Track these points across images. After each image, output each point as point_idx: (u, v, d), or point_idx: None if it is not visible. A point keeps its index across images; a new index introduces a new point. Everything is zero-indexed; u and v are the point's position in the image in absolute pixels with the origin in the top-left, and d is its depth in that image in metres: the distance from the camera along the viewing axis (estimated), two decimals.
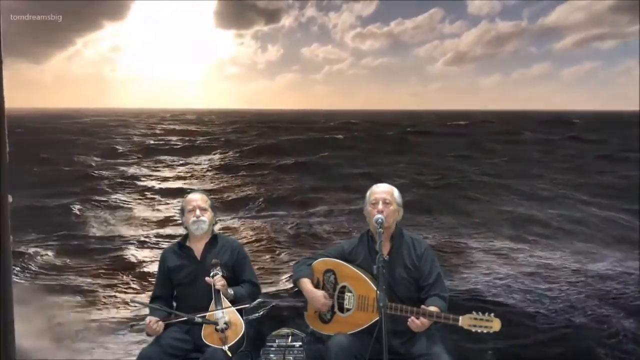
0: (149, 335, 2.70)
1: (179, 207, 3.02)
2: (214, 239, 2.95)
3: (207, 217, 2.89)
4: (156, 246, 9.91)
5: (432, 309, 2.50)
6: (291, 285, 5.54)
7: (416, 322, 2.48)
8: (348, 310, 2.71)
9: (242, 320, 2.66)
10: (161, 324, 2.67)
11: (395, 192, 2.76)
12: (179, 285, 2.91)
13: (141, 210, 13.24)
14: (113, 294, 7.39)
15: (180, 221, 3.03)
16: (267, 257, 9.50)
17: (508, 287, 7.52)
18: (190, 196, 2.95)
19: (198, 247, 2.93)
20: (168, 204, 14.31)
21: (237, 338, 2.60)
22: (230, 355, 2.54)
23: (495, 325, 2.40)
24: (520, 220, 12.25)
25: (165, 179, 19.31)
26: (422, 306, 2.52)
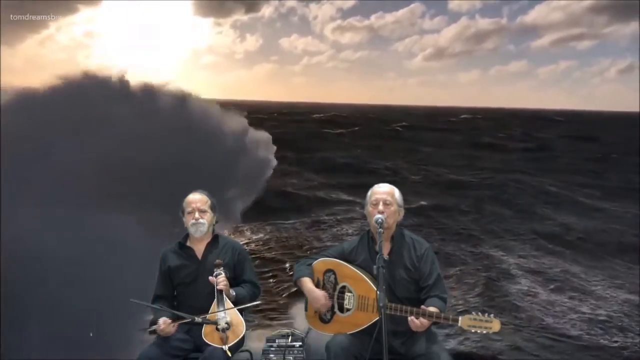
0: (151, 333, 2.69)
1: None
2: (215, 239, 2.94)
3: (206, 219, 2.87)
4: None
5: (432, 309, 2.51)
6: None
7: (416, 322, 2.49)
8: (348, 310, 2.72)
9: (243, 321, 2.66)
10: (175, 325, 2.66)
11: (396, 193, 2.76)
12: (180, 285, 2.90)
13: None
14: None
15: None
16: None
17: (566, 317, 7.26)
18: (190, 197, 2.91)
19: (199, 247, 2.92)
20: None
21: (238, 339, 2.60)
22: (230, 355, 2.54)
23: (495, 326, 2.41)
24: (549, 229, 12.05)
25: None
26: (422, 306, 2.53)
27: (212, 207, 2.92)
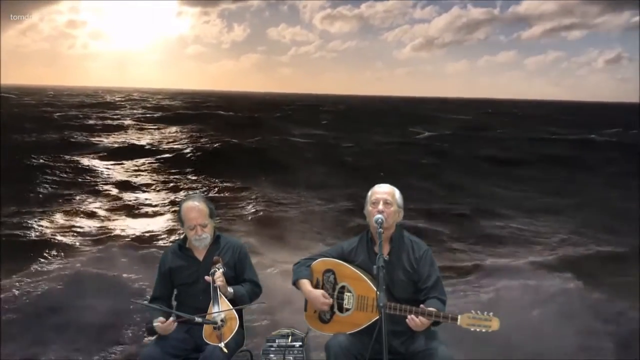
0: (150, 335, 2.70)
1: (177, 210, 2.97)
2: (216, 240, 2.94)
3: (208, 231, 2.87)
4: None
5: (431, 308, 2.51)
6: None
7: (415, 321, 2.49)
8: (347, 310, 2.73)
9: (237, 317, 2.66)
10: (175, 324, 2.66)
11: (397, 193, 2.77)
12: (181, 285, 2.91)
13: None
14: None
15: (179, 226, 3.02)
16: None
17: None
18: (189, 212, 2.84)
19: (199, 249, 2.92)
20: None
21: (233, 333, 2.60)
22: (226, 351, 2.55)
23: (494, 324, 2.41)
24: None
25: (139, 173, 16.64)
26: (422, 305, 2.53)
27: (211, 214, 2.90)
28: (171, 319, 2.66)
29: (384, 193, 2.74)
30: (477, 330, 2.42)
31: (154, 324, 2.64)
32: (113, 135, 26.41)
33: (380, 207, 2.68)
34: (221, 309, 2.63)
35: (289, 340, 2.97)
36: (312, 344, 3.05)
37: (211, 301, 2.67)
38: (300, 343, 2.96)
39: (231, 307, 2.66)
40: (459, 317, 2.45)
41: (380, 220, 2.63)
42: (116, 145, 22.09)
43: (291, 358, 2.93)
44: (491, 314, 2.43)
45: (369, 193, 2.79)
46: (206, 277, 2.71)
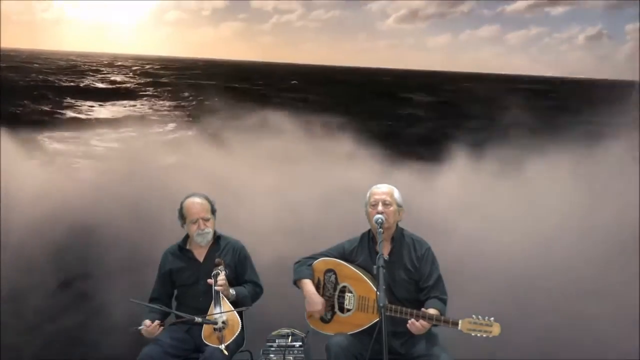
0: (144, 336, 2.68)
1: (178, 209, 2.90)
2: (217, 240, 2.92)
3: (210, 226, 2.85)
4: None
5: (432, 311, 2.52)
6: None
7: (416, 325, 2.49)
8: (348, 310, 2.73)
9: (239, 320, 2.66)
10: (160, 327, 2.65)
11: (396, 193, 2.75)
12: (181, 287, 2.90)
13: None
14: None
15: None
16: None
17: None
18: (191, 206, 2.83)
19: (199, 250, 2.90)
20: None
21: (234, 337, 2.60)
22: (227, 354, 2.54)
23: (495, 329, 2.41)
24: None
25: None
26: (422, 309, 2.53)
27: (213, 211, 2.88)
28: (156, 322, 2.64)
29: (382, 194, 2.73)
30: (479, 335, 2.42)
31: (139, 328, 2.63)
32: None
33: (380, 208, 2.67)
34: (223, 310, 2.62)
35: (289, 340, 2.99)
36: (312, 344, 3.05)
37: (212, 303, 2.65)
38: (300, 343, 2.98)
39: (233, 308, 2.65)
40: (460, 322, 2.45)
41: (380, 220, 2.62)
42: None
43: (291, 358, 2.95)
44: (492, 319, 2.43)
45: (368, 194, 2.77)
46: (208, 280, 2.69)
